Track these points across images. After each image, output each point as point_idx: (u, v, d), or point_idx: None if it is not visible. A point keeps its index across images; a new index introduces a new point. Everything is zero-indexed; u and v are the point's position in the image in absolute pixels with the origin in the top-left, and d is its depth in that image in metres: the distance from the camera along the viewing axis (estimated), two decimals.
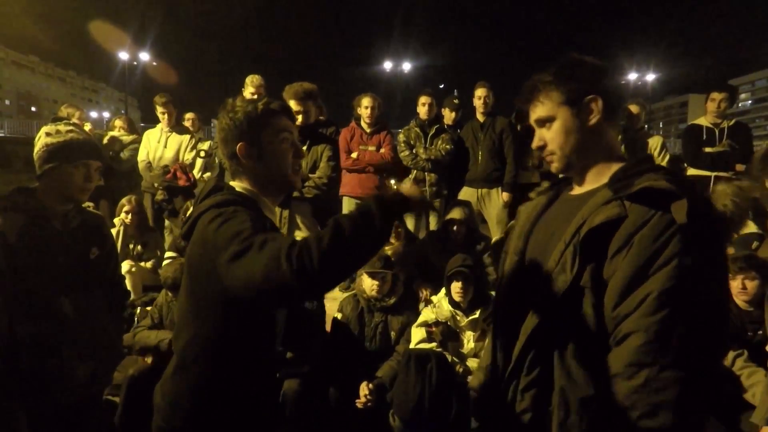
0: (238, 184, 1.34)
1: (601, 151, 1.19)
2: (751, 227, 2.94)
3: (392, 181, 5.42)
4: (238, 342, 1.24)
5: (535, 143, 1.24)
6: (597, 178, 1.18)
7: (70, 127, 1.88)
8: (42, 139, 1.84)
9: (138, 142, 5.19)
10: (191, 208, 4.84)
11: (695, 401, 0.95)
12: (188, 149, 4.99)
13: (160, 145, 4.96)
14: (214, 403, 1.23)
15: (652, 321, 0.95)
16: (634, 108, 4.89)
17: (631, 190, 1.03)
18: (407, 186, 1.10)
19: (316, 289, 1.05)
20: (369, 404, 2.70)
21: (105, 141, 5.11)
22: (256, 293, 1.03)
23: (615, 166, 1.16)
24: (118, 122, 5.54)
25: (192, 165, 4.95)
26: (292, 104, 3.30)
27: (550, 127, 1.20)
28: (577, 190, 1.24)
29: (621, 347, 0.99)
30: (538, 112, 1.22)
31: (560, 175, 1.32)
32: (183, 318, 1.29)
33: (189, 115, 5.96)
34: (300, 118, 3.33)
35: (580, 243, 1.06)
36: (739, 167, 4.43)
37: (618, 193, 1.06)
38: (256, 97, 4.43)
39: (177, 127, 5.12)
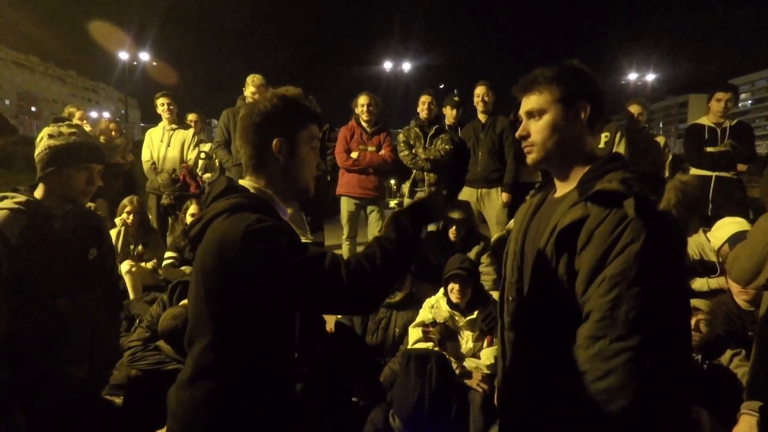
0: (251, 184, 1.28)
1: (578, 154, 1.27)
2: (745, 225, 2.91)
3: (392, 182, 5.43)
4: (258, 348, 1.20)
5: (519, 132, 1.32)
6: (573, 181, 1.26)
7: (73, 129, 1.86)
8: (44, 141, 1.82)
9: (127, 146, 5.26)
10: (191, 207, 4.77)
11: (646, 369, 1.02)
12: (191, 147, 4.98)
13: (163, 144, 4.94)
14: (233, 414, 1.18)
15: (605, 300, 1.06)
16: (635, 108, 4.87)
17: (589, 192, 1.14)
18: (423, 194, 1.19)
19: (372, 304, 1.17)
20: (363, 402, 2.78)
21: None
22: (316, 302, 1.14)
23: (587, 169, 1.25)
24: (106, 124, 5.48)
25: (195, 164, 4.94)
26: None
27: (538, 120, 1.27)
28: (558, 193, 1.33)
29: (584, 324, 1.11)
30: (531, 103, 1.28)
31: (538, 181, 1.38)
32: (198, 324, 1.22)
33: (192, 117, 5.94)
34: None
35: (554, 243, 1.17)
36: (741, 167, 4.41)
37: (582, 195, 1.16)
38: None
39: (179, 123, 5.11)
